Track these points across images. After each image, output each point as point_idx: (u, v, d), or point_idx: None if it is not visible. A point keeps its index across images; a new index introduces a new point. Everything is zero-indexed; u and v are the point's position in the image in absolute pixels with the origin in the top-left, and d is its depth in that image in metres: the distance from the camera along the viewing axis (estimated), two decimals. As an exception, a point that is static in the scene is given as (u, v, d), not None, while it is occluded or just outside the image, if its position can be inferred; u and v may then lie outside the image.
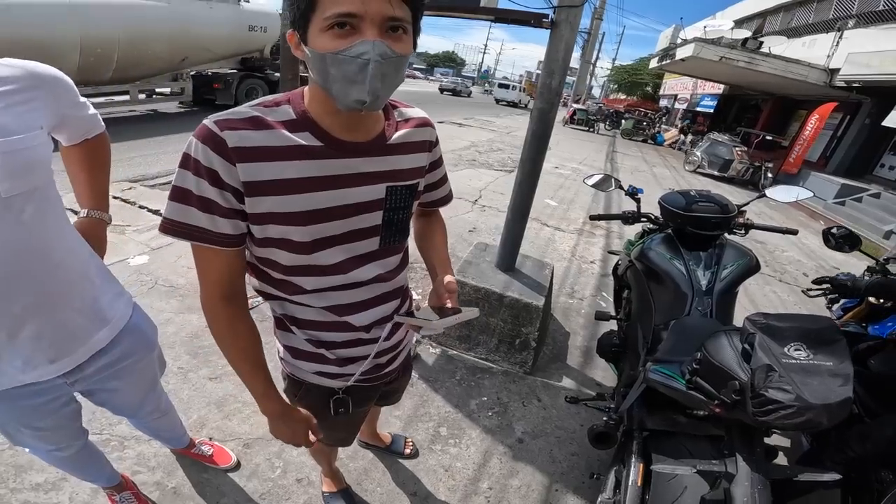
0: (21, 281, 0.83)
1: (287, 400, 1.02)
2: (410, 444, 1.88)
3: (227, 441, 1.79)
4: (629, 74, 31.66)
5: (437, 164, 1.01)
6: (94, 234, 1.09)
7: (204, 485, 1.61)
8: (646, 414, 1.40)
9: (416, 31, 0.72)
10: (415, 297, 1.13)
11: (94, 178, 1.11)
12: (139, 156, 5.65)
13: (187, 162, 0.70)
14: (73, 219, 1.00)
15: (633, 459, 1.30)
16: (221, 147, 0.69)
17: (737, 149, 11.27)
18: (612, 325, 2.38)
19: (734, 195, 1.92)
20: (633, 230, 2.27)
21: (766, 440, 1.29)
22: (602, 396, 1.97)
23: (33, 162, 0.80)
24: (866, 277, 1.78)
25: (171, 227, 0.72)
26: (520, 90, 31.89)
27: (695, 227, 1.67)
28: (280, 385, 1.04)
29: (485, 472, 1.86)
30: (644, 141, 18.21)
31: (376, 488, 1.72)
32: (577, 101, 23.58)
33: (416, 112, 0.93)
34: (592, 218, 2.10)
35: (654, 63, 16.20)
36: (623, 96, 35.54)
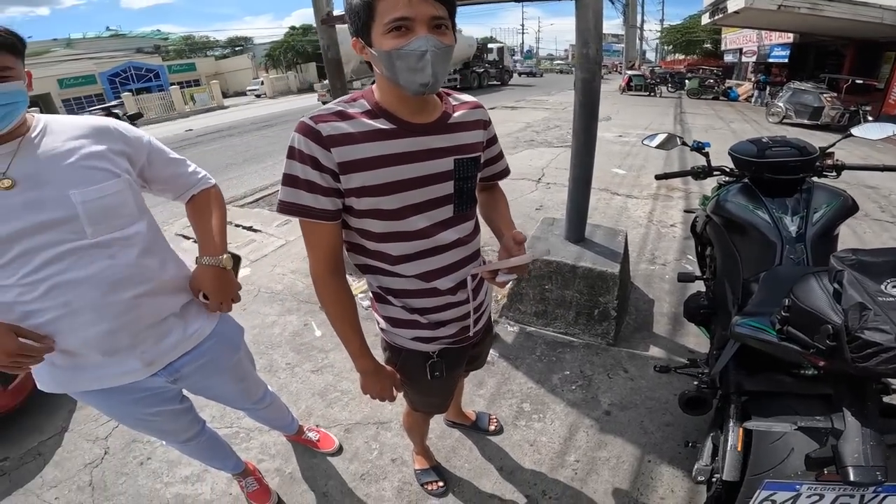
0: (114, 307, 0.97)
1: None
2: (495, 420, 1.93)
3: (331, 427, 1.96)
4: (681, 34, 29.92)
5: (493, 141, 1.14)
6: (206, 279, 1.12)
7: (314, 469, 1.79)
8: (744, 376, 1.30)
9: (454, 27, 0.87)
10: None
11: (204, 229, 1.17)
12: (225, 179, 6.24)
13: (293, 153, 0.86)
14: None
15: (732, 424, 1.23)
16: (318, 137, 0.84)
17: (825, 95, 10.39)
18: (700, 287, 2.25)
19: (828, 141, 1.76)
20: (711, 185, 2.13)
21: (888, 398, 1.15)
22: (695, 363, 1.87)
23: (111, 208, 0.95)
24: None
25: (286, 208, 0.89)
26: None
27: (772, 172, 1.57)
28: (380, 356, 1.17)
29: (571, 446, 1.85)
30: (715, 98, 17.05)
31: (464, 464, 1.79)
32: (630, 68, 22.62)
33: (468, 97, 1.07)
34: (658, 177, 2.04)
35: (705, 19, 14.83)
36: (681, 56, 33.39)
